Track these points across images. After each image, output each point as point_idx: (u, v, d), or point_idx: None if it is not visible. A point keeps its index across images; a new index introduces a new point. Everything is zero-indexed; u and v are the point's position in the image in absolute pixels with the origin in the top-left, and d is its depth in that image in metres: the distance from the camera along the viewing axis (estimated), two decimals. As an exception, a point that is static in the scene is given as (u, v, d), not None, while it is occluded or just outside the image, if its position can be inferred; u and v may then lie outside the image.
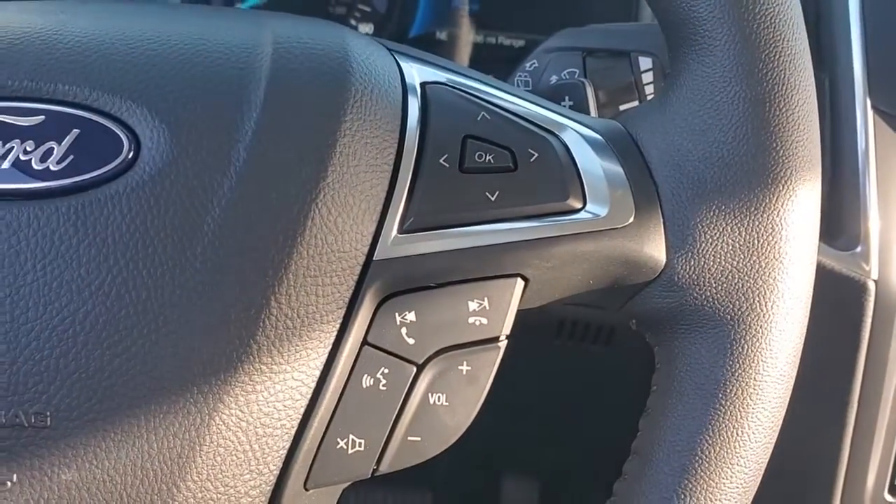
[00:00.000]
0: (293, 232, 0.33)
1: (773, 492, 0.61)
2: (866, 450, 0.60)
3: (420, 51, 0.39)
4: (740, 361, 0.34)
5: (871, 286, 0.57)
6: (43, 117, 0.33)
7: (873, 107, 0.58)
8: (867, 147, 0.57)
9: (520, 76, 0.50)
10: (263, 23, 0.37)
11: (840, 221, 0.58)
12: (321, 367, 0.33)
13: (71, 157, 0.33)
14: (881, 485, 0.61)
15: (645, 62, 0.48)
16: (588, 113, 0.44)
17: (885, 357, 0.58)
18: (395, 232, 0.34)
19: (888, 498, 0.61)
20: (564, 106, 0.45)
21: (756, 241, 0.35)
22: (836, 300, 0.57)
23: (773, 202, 0.35)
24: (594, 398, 0.75)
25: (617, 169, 0.36)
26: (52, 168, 0.32)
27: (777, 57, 0.35)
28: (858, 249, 0.57)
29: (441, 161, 0.35)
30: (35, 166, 0.32)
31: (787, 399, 0.36)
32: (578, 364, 0.73)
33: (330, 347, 0.33)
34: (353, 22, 0.80)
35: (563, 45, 0.49)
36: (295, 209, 0.33)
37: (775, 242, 0.35)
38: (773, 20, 0.35)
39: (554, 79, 0.49)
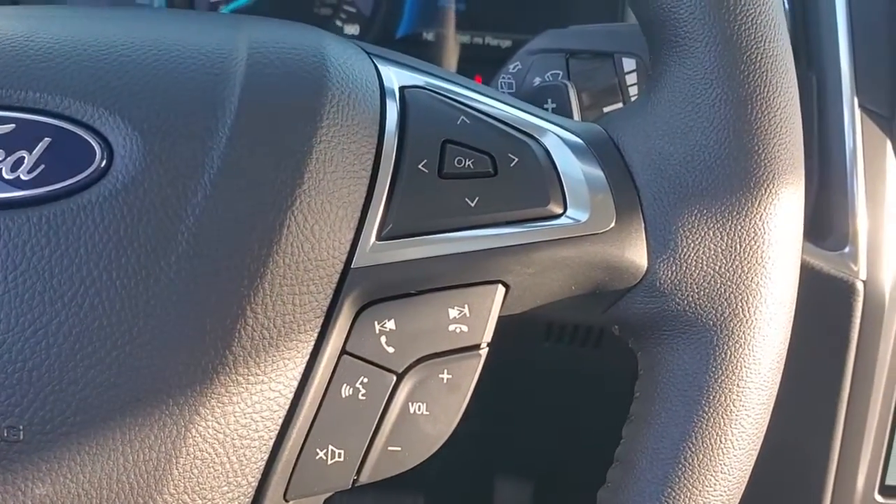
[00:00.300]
0: (269, 240, 0.32)
1: (763, 492, 0.61)
2: (856, 450, 0.60)
3: (400, 54, 0.39)
4: (723, 367, 0.34)
5: (860, 286, 0.56)
6: (13, 125, 0.32)
7: (861, 106, 0.58)
8: (855, 146, 0.57)
9: (503, 78, 0.50)
10: (239, 27, 0.36)
11: (828, 221, 0.57)
12: (299, 378, 0.33)
13: (42, 166, 0.32)
14: (871, 485, 0.61)
15: (629, 63, 0.48)
16: (571, 115, 0.43)
17: (874, 357, 0.58)
18: (373, 239, 0.34)
19: (878, 498, 0.61)
20: (547, 108, 0.44)
21: (738, 246, 0.34)
22: (825, 301, 0.57)
23: (756, 206, 0.34)
24: (586, 400, 0.75)
25: (598, 173, 0.36)
26: (22, 177, 0.32)
27: (758, 59, 0.34)
28: (847, 250, 0.56)
29: (420, 166, 0.34)
30: (5, 175, 0.32)
31: (772, 404, 0.36)
32: (570, 366, 0.73)
33: (308, 357, 0.33)
34: (338, 23, 0.80)
35: (546, 47, 0.49)
36: (270, 217, 0.32)
37: (758, 247, 0.34)
38: (753, 21, 0.34)
39: (537, 81, 0.48)
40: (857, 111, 0.58)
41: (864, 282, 0.56)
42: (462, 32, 0.80)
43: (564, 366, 0.74)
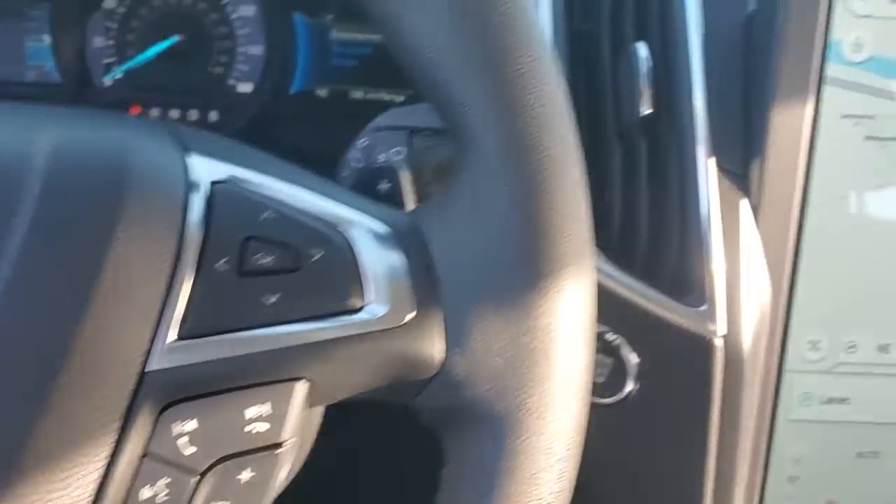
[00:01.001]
0: (62, 350, 0.32)
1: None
2: (728, 501, 0.61)
3: (223, 140, 0.39)
4: (512, 458, 0.35)
5: (719, 342, 0.58)
6: None
7: (718, 166, 0.59)
8: (710, 204, 0.58)
9: (353, 153, 0.50)
10: (40, 127, 0.36)
11: (689, 279, 0.59)
12: (98, 482, 0.33)
13: None
14: (743, 536, 0.62)
15: (464, 141, 0.49)
16: (402, 196, 0.44)
17: (738, 409, 0.59)
18: (170, 340, 0.34)
19: (750, 550, 0.62)
20: (382, 188, 0.45)
21: (525, 338, 0.35)
22: (687, 356, 0.58)
23: (540, 301, 0.35)
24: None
25: (401, 264, 0.37)
26: None
27: (539, 158, 0.36)
28: (705, 307, 0.58)
29: (219, 265, 0.35)
30: None
31: (570, 490, 0.36)
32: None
33: (106, 461, 0.33)
34: (231, 82, 0.81)
35: (392, 124, 0.50)
36: (64, 325, 0.33)
37: (543, 338, 0.35)
38: (537, 122, 0.36)
39: (383, 157, 0.49)
40: (714, 171, 0.59)
41: (723, 337, 0.58)
42: (355, 88, 0.81)
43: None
